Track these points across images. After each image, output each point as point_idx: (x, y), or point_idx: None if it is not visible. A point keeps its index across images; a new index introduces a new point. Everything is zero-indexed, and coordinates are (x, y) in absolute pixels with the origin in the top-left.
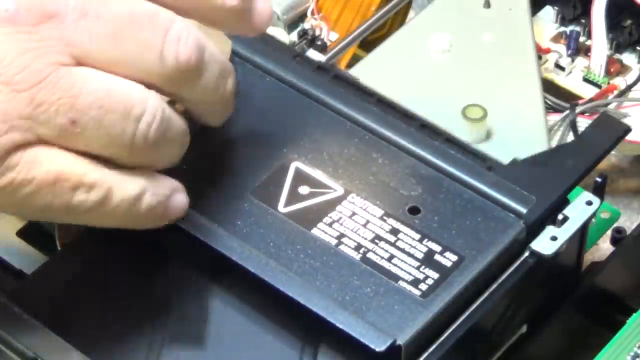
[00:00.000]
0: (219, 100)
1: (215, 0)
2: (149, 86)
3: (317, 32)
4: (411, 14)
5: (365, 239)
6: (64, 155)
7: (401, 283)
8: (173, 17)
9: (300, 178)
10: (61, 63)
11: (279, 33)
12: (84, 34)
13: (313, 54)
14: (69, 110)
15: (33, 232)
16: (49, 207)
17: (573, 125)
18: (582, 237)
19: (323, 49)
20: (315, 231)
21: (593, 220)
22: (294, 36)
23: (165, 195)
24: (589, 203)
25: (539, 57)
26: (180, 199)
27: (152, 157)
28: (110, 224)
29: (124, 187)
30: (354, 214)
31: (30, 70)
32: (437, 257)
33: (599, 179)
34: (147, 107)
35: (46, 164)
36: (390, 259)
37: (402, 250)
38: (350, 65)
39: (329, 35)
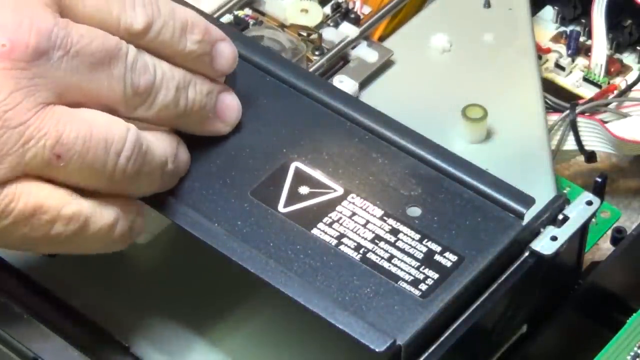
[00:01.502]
0: (184, 111)
1: (177, 44)
2: (117, 115)
3: (350, 5)
4: None
5: (365, 239)
6: (42, 188)
7: (401, 283)
8: (129, 46)
9: (300, 178)
10: (48, 102)
11: (313, 7)
12: (66, 69)
13: (346, 27)
14: (54, 145)
15: None
16: (26, 238)
17: (573, 125)
18: (582, 237)
19: (356, 21)
20: (315, 231)
21: (593, 220)
22: (327, 9)
23: (132, 220)
24: (589, 203)
25: (539, 57)
26: (141, 222)
27: (129, 188)
28: (86, 251)
29: (100, 216)
30: (354, 214)
31: (21, 107)
32: (437, 257)
33: (599, 179)
34: (126, 142)
35: (25, 197)
36: (390, 259)
37: (402, 251)
38: (382, 38)
39: (362, 9)
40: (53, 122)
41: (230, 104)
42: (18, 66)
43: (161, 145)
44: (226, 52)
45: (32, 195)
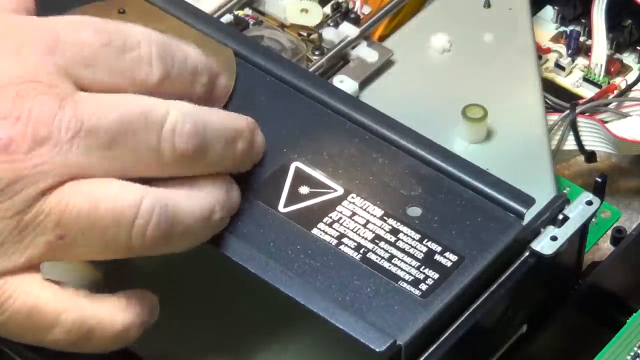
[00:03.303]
0: (231, 164)
1: (189, 90)
2: (148, 179)
3: (350, 5)
4: None
5: (366, 239)
6: (44, 289)
7: (401, 283)
8: (167, 107)
9: (300, 178)
10: (54, 187)
11: (313, 7)
12: (79, 151)
13: (346, 27)
14: (54, 227)
15: None
16: (26, 339)
17: (573, 125)
18: (582, 237)
19: (356, 21)
20: (315, 231)
21: (593, 220)
22: (327, 9)
23: (148, 320)
24: (589, 203)
25: (539, 57)
26: (156, 312)
27: (160, 251)
28: (92, 352)
29: (109, 324)
30: (354, 214)
31: (20, 197)
32: (437, 257)
33: (599, 179)
34: (140, 209)
35: (23, 296)
36: (390, 259)
37: (402, 250)
38: (382, 38)
39: (362, 9)
40: (54, 203)
41: (259, 144)
42: (16, 158)
43: (200, 199)
44: (222, 85)
45: (32, 295)
